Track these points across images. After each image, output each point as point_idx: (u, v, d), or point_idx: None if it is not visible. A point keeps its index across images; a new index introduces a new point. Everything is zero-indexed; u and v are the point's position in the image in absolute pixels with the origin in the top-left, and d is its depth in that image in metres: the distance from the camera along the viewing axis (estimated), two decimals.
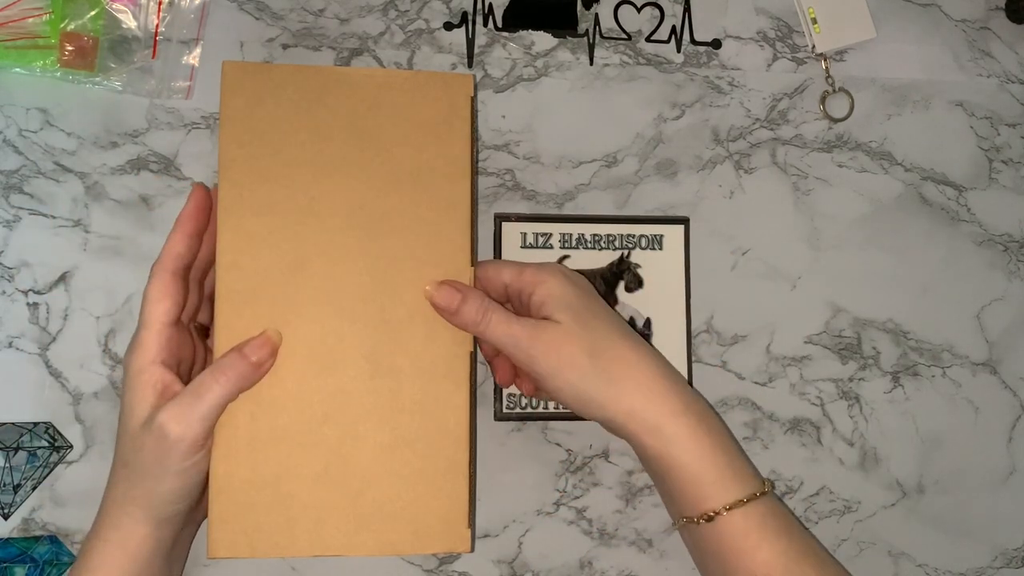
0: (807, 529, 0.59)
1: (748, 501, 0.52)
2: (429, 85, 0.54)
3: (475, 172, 0.56)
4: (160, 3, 0.60)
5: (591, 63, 0.64)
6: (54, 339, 0.58)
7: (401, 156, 0.54)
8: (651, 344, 0.61)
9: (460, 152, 0.54)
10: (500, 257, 0.61)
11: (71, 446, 0.58)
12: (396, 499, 0.52)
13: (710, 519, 0.53)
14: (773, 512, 0.53)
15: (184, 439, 0.48)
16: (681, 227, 0.63)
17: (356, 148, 0.53)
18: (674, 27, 0.65)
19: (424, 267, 0.53)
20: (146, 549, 0.50)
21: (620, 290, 0.62)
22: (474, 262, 0.55)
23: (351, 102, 0.54)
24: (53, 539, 0.57)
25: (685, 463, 0.53)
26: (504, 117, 0.63)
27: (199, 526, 0.56)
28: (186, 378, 0.52)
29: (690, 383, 0.62)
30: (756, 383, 0.63)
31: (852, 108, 0.66)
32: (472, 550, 0.54)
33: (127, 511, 0.50)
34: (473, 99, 0.55)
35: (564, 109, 0.64)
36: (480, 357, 0.60)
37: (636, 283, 0.62)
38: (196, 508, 0.53)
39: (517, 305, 0.56)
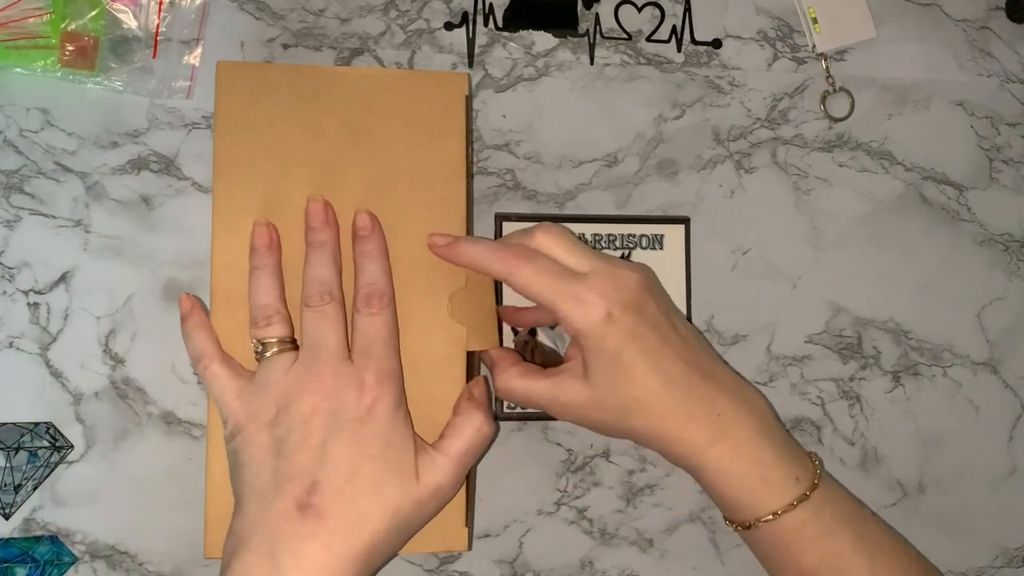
0: (863, 513, 0.56)
1: (783, 513, 0.52)
2: (424, 84, 0.54)
3: (471, 171, 0.56)
4: (160, 3, 0.60)
5: (591, 63, 0.64)
6: (55, 339, 0.58)
7: (396, 155, 0.54)
8: (702, 349, 0.55)
9: (455, 151, 0.54)
10: None
11: (72, 446, 0.58)
12: None
13: (748, 528, 0.53)
14: (818, 513, 0.53)
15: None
16: (682, 227, 0.63)
17: (351, 147, 0.53)
18: (674, 27, 0.65)
19: (419, 266, 0.53)
20: None
21: None
22: None
23: (346, 101, 0.54)
24: (54, 539, 0.57)
25: (718, 487, 0.53)
26: (504, 117, 0.63)
27: None
28: None
29: None
30: (757, 383, 0.63)
31: (852, 108, 0.66)
32: (470, 549, 0.54)
33: None
34: (468, 97, 0.55)
35: (564, 109, 0.64)
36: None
37: None
38: None
39: None
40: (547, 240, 0.52)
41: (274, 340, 0.49)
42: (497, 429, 0.56)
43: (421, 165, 0.54)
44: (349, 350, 0.49)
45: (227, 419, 0.49)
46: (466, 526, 0.52)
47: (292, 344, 0.50)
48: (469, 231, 0.55)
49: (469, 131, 0.56)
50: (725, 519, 0.56)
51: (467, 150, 0.55)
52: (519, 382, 0.53)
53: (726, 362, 0.58)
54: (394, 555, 0.50)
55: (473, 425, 0.51)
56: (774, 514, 0.52)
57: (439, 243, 0.53)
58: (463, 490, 0.52)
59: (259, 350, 0.49)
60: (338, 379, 0.48)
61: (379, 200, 0.53)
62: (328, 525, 0.46)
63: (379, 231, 0.52)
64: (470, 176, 0.57)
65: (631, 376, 0.51)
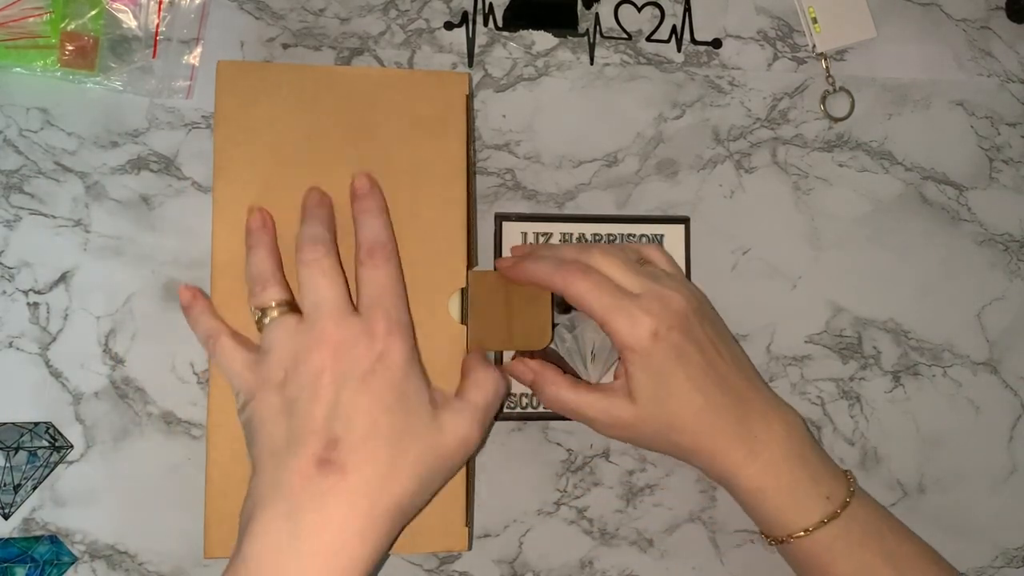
0: (896, 528, 0.58)
1: (815, 529, 0.54)
2: (425, 84, 0.54)
3: (472, 171, 0.56)
4: (160, 3, 0.60)
5: (591, 63, 0.64)
6: (54, 339, 0.58)
7: (397, 155, 0.54)
8: (745, 369, 0.57)
9: (456, 150, 0.54)
10: (500, 255, 0.61)
11: (71, 446, 0.58)
12: None
13: (782, 542, 0.55)
14: (847, 529, 0.54)
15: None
16: (681, 227, 0.63)
17: (351, 147, 0.53)
18: (674, 27, 0.65)
19: (420, 266, 0.53)
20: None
21: None
22: (471, 261, 0.54)
23: (346, 101, 0.54)
24: (53, 539, 0.57)
25: (752, 505, 0.56)
26: (504, 117, 0.63)
27: None
28: None
29: None
30: None
31: (852, 107, 0.66)
32: (470, 549, 0.54)
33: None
34: (469, 97, 0.55)
35: (564, 109, 0.64)
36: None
37: None
38: None
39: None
40: (604, 259, 0.54)
41: (273, 304, 0.48)
42: (509, 386, 0.57)
43: (421, 165, 0.54)
44: (354, 307, 0.48)
45: (239, 392, 0.48)
46: (466, 526, 0.52)
47: (292, 307, 0.49)
48: (472, 230, 0.55)
49: (471, 130, 0.56)
50: (761, 534, 0.58)
51: (469, 150, 0.55)
52: (570, 393, 0.54)
53: (767, 383, 0.60)
54: (421, 509, 0.48)
55: (493, 378, 0.51)
56: (805, 531, 0.54)
57: (506, 265, 0.55)
58: (463, 490, 0.52)
59: (259, 317, 0.48)
60: (344, 332, 0.46)
61: None
62: (350, 482, 0.44)
63: (378, 191, 0.52)
64: (473, 175, 0.57)
65: (674, 393, 0.53)
